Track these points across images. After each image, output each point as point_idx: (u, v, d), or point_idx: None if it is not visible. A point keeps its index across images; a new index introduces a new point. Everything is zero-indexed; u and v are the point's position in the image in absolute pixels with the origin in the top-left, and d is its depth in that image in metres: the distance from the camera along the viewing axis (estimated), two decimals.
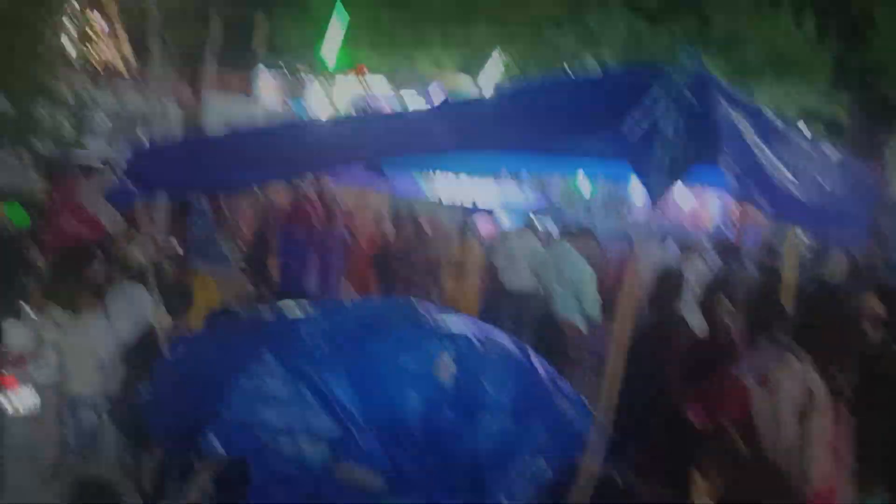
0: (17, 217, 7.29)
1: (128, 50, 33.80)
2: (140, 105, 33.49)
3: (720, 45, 16.12)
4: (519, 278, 9.07)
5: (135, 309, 4.30)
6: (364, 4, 14.50)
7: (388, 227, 10.26)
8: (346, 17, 14.66)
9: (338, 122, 4.11)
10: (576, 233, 8.76)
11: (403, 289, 9.33)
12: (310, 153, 3.29)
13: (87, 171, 8.53)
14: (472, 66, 15.49)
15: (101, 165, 8.76)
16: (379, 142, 3.18)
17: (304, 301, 3.81)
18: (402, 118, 3.51)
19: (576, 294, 7.86)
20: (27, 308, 4.35)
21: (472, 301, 9.81)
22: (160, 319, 4.12)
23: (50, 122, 18.90)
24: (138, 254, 7.22)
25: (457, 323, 3.54)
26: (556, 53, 15.41)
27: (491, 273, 9.77)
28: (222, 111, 23.77)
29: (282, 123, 4.20)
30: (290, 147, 3.31)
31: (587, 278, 7.87)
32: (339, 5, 14.62)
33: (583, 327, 7.80)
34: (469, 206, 11.44)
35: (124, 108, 31.91)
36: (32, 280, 3.73)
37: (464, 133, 2.97)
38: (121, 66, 33.42)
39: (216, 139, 3.85)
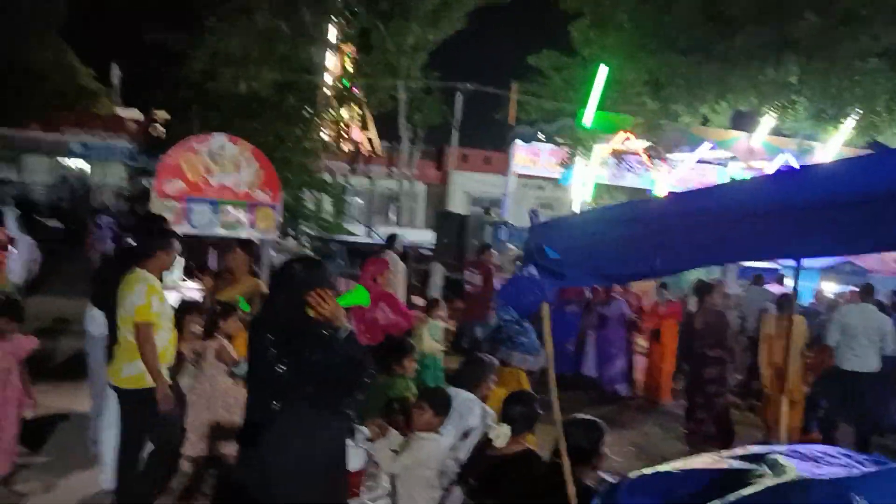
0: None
1: (375, 135, 35.97)
2: (391, 187, 35.25)
3: None
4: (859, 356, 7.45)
5: (465, 417, 3.55)
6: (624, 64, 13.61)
7: (689, 301, 9.01)
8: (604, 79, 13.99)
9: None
10: None
11: (700, 364, 8.07)
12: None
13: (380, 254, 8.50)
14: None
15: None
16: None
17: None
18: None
19: None
20: (361, 428, 3.80)
21: (797, 382, 8.23)
22: (498, 433, 3.32)
23: (315, 207, 20.17)
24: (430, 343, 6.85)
25: None
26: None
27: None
28: (471, 187, 23.72)
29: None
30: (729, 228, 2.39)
31: None
32: (600, 70, 14.01)
33: None
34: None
35: (375, 191, 33.77)
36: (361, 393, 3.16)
37: None
38: (371, 149, 35.54)
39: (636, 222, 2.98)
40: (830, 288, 15.04)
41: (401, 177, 33.58)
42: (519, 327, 6.77)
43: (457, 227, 13.91)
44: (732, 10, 6.84)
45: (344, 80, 31.68)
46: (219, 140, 7.90)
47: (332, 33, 32.79)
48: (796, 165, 16.28)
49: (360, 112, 35.84)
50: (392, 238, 9.67)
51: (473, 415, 3.97)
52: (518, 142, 16.61)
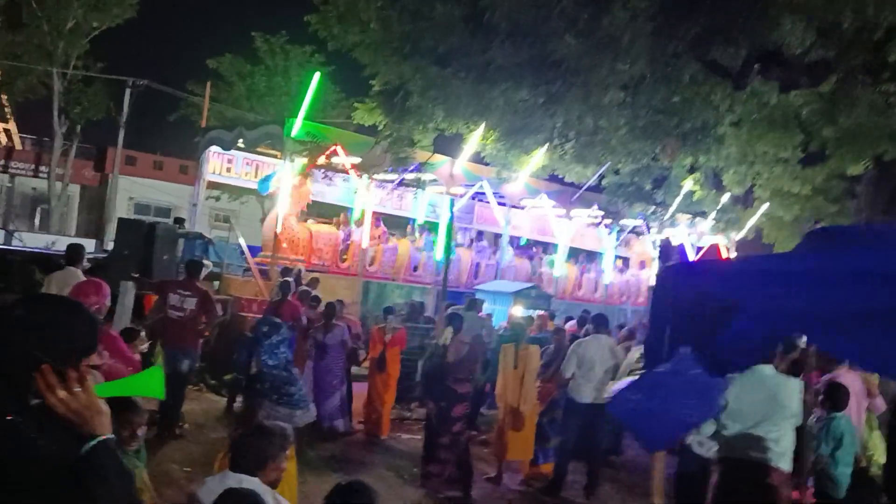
0: None
1: (14, 126, 30.84)
2: (37, 186, 30.59)
3: None
4: (597, 389, 7.51)
5: None
6: None
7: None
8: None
9: None
10: None
11: (449, 401, 7.57)
12: None
13: None
14: None
15: None
16: None
17: None
18: None
19: None
20: None
21: (532, 414, 8.12)
22: None
23: None
24: None
25: None
26: None
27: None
28: (138, 192, 21.18)
29: None
30: None
31: None
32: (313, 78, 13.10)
33: None
34: None
35: (15, 191, 29.07)
36: None
37: None
38: (10, 141, 30.33)
39: None
40: (518, 312, 15.76)
41: (52, 177, 29.03)
42: (287, 373, 5.61)
43: (142, 239, 11.91)
44: (495, 18, 6.52)
45: None
46: None
47: None
48: (490, 194, 16.99)
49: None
50: (76, 249, 7.70)
51: None
52: (213, 148, 14.94)
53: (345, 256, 15.08)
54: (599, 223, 18.84)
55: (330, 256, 15.02)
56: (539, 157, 15.59)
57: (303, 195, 14.07)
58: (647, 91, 7.18)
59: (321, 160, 14.25)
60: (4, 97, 29.66)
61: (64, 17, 27.34)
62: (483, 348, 8.67)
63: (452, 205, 13.43)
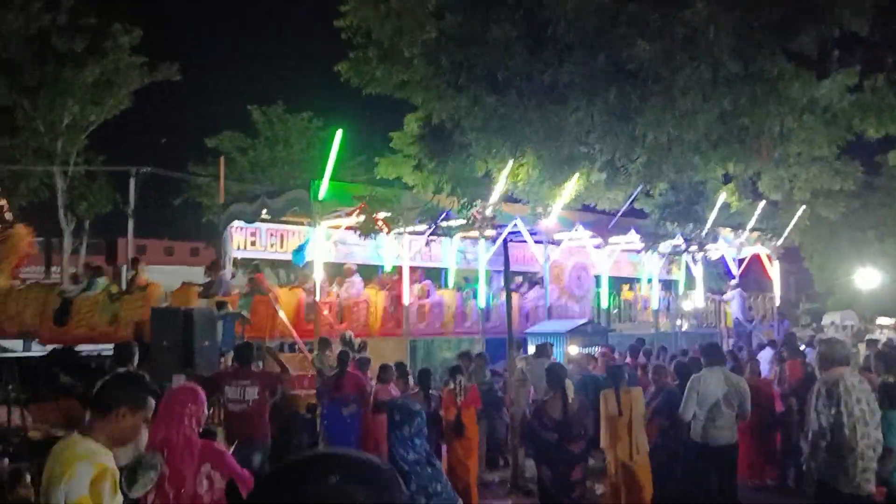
0: None
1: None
2: None
3: None
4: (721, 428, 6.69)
5: None
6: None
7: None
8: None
9: None
10: None
11: (565, 463, 6.72)
12: None
13: None
14: None
15: None
16: None
17: None
18: None
19: None
20: None
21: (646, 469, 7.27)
22: None
23: None
24: None
25: None
26: None
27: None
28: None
29: None
30: None
31: None
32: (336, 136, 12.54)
33: None
34: None
35: None
36: None
37: None
38: None
39: None
40: (575, 351, 14.95)
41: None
42: (431, 469, 4.78)
43: (180, 327, 11.15)
44: (559, 31, 5.92)
45: None
46: None
47: None
48: (525, 232, 16.31)
49: None
50: (126, 349, 6.99)
51: None
52: (236, 223, 14.33)
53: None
54: (645, 249, 18.11)
55: (365, 318, 14.30)
56: (572, 186, 14.94)
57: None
58: (734, 90, 6.53)
59: (352, 219, 13.63)
60: (5, 203, 29.28)
61: (59, 116, 27.07)
62: (585, 400, 7.82)
63: (506, 246, 12.64)
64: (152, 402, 3.05)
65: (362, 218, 14.04)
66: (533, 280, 17.41)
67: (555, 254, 17.54)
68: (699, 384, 7.13)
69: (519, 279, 17.76)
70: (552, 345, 11.99)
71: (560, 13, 6.17)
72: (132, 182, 27.24)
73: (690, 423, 7.13)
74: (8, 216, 30.12)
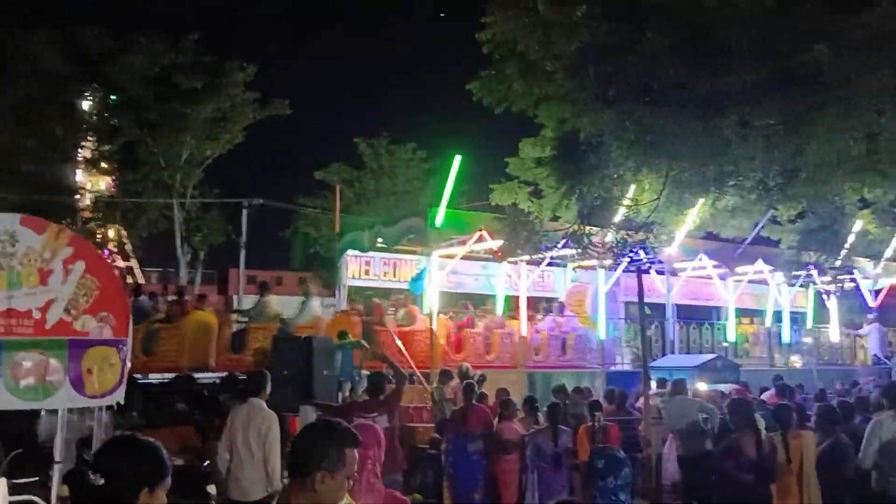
0: None
1: (136, 264, 31.52)
2: None
3: None
4: None
5: None
6: None
7: None
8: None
9: None
10: None
11: None
12: None
13: None
14: None
15: None
16: None
17: None
18: None
19: None
20: None
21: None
22: None
23: None
24: None
25: None
26: None
27: None
28: None
29: None
30: None
31: None
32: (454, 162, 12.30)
33: None
34: None
35: None
36: None
37: None
38: (134, 280, 31.03)
39: None
40: (703, 387, 13.99)
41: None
42: None
43: (301, 355, 11.00)
44: (724, 37, 5.41)
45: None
46: (3, 224, 4.29)
47: (89, 149, 28.77)
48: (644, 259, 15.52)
49: (120, 239, 31.44)
50: (258, 378, 6.84)
51: None
52: (350, 252, 14.27)
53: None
54: (788, 280, 16.96)
55: (482, 350, 13.86)
56: (696, 212, 14.16)
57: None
58: None
59: (467, 248, 13.31)
60: (125, 234, 30.60)
61: (178, 151, 28.17)
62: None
63: (640, 274, 11.96)
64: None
65: (478, 246, 13.73)
66: (547, 308, 16.32)
67: (676, 284, 16.68)
68: (881, 429, 6.32)
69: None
70: (684, 380, 11.18)
71: (723, 18, 5.68)
72: (244, 214, 27.96)
73: (870, 473, 6.32)
74: (128, 247, 31.58)
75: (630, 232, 14.28)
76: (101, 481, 2.09)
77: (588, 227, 13.89)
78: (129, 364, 4.35)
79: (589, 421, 8.35)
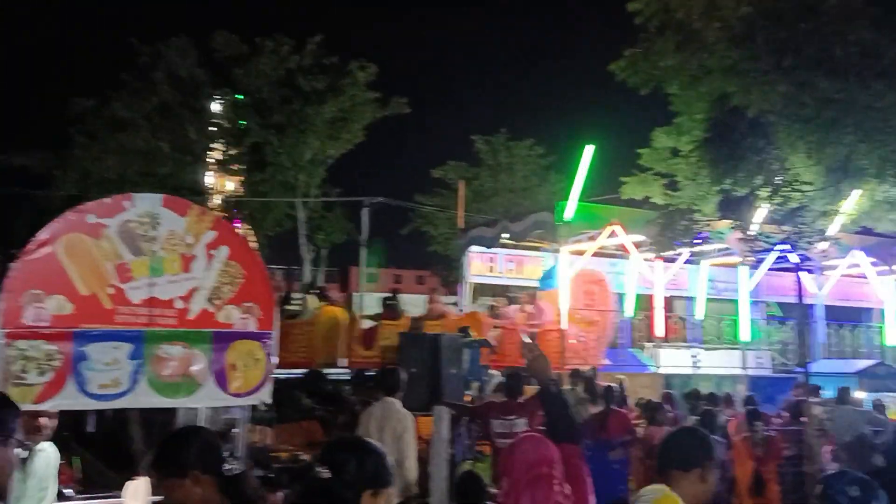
0: None
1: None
2: None
3: None
4: None
5: None
6: None
7: None
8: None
9: None
10: None
11: None
12: None
13: None
14: None
15: None
16: None
17: None
18: None
19: None
20: None
21: None
22: None
23: None
24: None
25: None
26: None
27: None
28: None
29: None
30: None
31: None
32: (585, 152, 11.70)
33: None
34: None
35: None
36: None
37: None
38: None
39: None
40: (863, 396, 12.76)
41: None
42: None
43: (429, 353, 10.71)
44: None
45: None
46: (145, 205, 4.06)
47: (219, 151, 29.92)
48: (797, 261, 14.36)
49: (247, 238, 32.56)
50: (392, 375, 6.63)
51: None
52: (474, 248, 13.91)
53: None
54: None
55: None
56: (851, 204, 12.92)
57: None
58: None
59: (598, 243, 12.68)
60: (252, 233, 31.59)
61: (302, 151, 28.78)
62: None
63: (798, 272, 11.00)
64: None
65: (609, 241, 13.05)
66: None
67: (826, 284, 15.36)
68: None
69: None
70: (847, 387, 10.14)
71: None
72: (364, 212, 28.24)
73: None
74: (253, 245, 32.68)
75: (784, 227, 13.08)
76: (328, 474, 2.12)
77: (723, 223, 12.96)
78: (275, 360, 4.09)
79: (747, 431, 7.58)
